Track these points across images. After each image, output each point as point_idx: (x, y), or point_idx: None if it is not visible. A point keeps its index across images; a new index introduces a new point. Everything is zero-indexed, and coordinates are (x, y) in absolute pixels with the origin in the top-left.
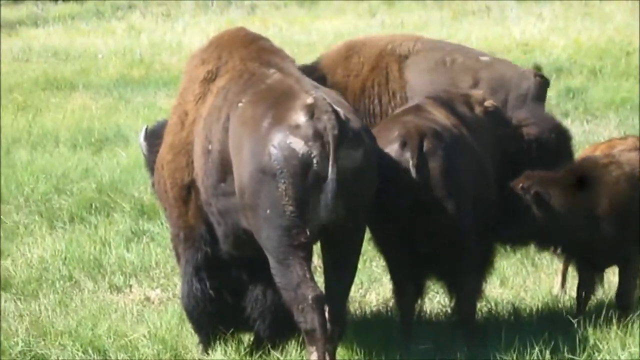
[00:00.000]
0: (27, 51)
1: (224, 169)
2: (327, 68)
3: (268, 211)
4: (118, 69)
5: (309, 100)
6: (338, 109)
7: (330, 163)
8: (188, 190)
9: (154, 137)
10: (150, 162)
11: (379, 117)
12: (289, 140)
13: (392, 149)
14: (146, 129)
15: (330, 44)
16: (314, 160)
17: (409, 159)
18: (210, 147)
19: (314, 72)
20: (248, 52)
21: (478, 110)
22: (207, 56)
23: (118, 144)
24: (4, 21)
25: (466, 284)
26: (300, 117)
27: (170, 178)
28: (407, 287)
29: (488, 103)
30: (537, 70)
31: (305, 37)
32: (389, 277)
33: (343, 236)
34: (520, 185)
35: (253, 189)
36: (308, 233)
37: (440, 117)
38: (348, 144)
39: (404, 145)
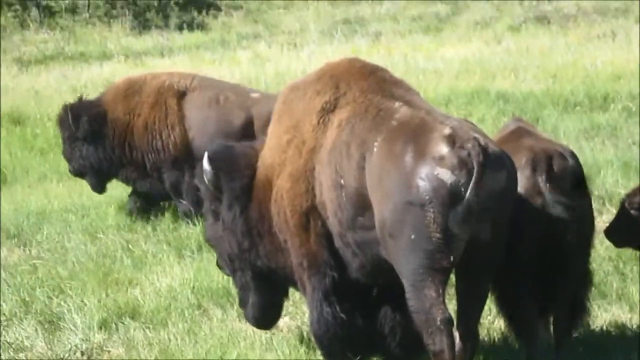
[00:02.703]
0: None
1: (362, 205)
2: (107, 105)
3: (412, 237)
4: None
5: (447, 131)
6: (476, 135)
7: (471, 186)
8: (307, 217)
9: (229, 163)
10: (234, 190)
11: (161, 152)
12: (436, 172)
13: (523, 174)
14: (209, 155)
15: (456, 72)
16: (462, 189)
17: (541, 183)
18: (342, 182)
19: (95, 108)
20: (368, 84)
21: None
22: (322, 87)
23: None
24: (131, 52)
25: (585, 305)
26: (443, 148)
27: (290, 206)
28: (530, 313)
29: None
30: None
31: (431, 65)
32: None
33: (483, 258)
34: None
35: (397, 219)
36: (451, 259)
37: (547, 137)
38: (493, 167)
39: (534, 169)
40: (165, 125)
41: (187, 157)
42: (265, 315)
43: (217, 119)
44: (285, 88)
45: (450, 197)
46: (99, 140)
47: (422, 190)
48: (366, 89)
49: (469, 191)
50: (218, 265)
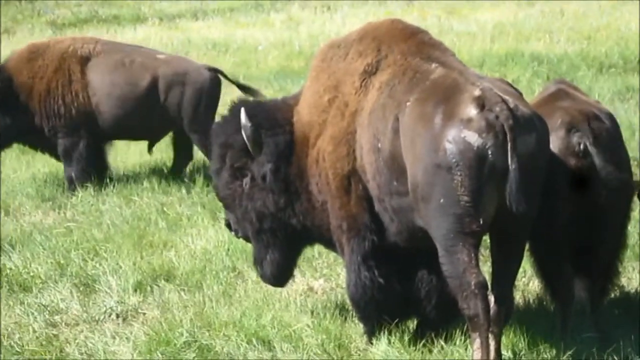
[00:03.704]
0: (186, 44)
1: (397, 169)
2: (13, 69)
3: (442, 200)
4: (278, 61)
5: (477, 93)
6: (506, 97)
7: (510, 154)
8: (349, 180)
9: (268, 119)
10: (278, 145)
11: (64, 117)
12: (463, 135)
13: (557, 135)
14: (247, 111)
15: (490, 34)
16: (489, 152)
17: (576, 144)
18: (379, 145)
19: (2, 73)
20: (408, 47)
21: None
22: (364, 49)
23: None
24: (164, 15)
25: (616, 268)
26: (471, 110)
27: (332, 168)
28: (566, 276)
29: None
30: (211, 67)
31: (465, 27)
32: (539, 267)
33: (514, 223)
34: None
35: (427, 181)
36: (480, 222)
37: (586, 99)
38: (521, 131)
39: (570, 130)
40: (69, 90)
41: (86, 124)
42: (283, 274)
43: (123, 82)
44: (324, 45)
45: (477, 160)
46: (5, 105)
47: (449, 153)
48: (406, 52)
49: (495, 154)
50: (227, 225)
